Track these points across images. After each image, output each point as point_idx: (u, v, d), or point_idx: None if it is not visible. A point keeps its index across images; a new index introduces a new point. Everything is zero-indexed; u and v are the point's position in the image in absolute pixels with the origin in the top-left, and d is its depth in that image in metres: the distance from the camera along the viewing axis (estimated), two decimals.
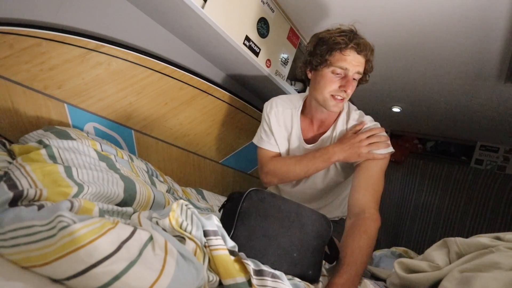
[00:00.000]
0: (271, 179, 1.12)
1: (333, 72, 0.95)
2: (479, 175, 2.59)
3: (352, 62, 0.93)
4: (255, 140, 1.20)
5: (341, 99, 0.97)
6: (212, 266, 0.54)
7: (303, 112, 1.13)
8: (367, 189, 0.92)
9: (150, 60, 1.21)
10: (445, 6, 1.13)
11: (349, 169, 1.09)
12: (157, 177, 1.09)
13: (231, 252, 0.56)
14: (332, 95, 0.97)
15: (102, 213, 0.54)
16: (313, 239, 0.72)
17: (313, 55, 0.99)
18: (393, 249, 1.19)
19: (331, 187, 1.14)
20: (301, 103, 1.13)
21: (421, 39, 1.38)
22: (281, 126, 1.13)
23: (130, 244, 0.42)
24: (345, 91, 0.95)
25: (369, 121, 1.05)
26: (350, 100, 1.13)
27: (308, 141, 1.11)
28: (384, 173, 0.97)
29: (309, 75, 1.05)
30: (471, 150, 2.72)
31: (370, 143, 0.97)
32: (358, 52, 0.93)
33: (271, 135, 1.14)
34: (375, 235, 0.83)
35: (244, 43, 1.27)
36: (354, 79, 0.97)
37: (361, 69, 0.96)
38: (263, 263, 0.60)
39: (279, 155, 1.16)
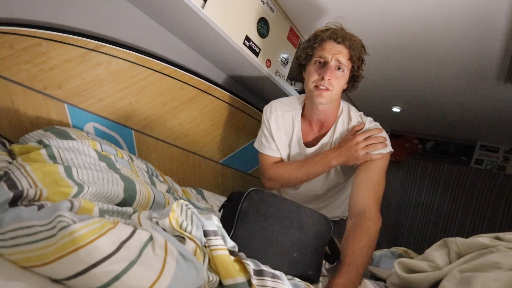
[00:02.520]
0: (273, 184, 1.14)
1: (314, 64, 0.99)
2: (479, 175, 2.59)
3: (330, 50, 0.96)
4: (256, 145, 1.20)
5: (325, 89, 0.97)
6: (212, 266, 0.54)
7: (303, 114, 1.12)
8: (368, 190, 0.92)
9: (150, 60, 1.21)
10: (445, 6, 1.13)
11: (349, 170, 1.08)
12: (157, 177, 1.09)
13: (231, 252, 0.56)
14: (316, 86, 0.98)
15: (102, 213, 0.54)
16: (313, 239, 0.72)
17: (301, 58, 1.04)
18: (393, 249, 1.19)
19: (332, 188, 1.14)
20: (301, 105, 1.13)
21: (421, 39, 1.38)
22: (281, 131, 1.12)
23: (130, 244, 0.42)
24: (323, 78, 0.96)
25: (369, 122, 1.04)
26: (350, 101, 1.13)
27: (308, 144, 1.11)
28: (384, 173, 0.97)
29: (304, 76, 1.07)
30: (471, 150, 2.72)
31: (367, 145, 0.97)
32: (337, 42, 0.96)
33: (272, 140, 1.13)
34: (376, 235, 0.83)
35: (244, 43, 1.27)
36: (339, 68, 0.98)
37: (342, 58, 0.96)
38: (263, 263, 0.60)
39: (281, 160, 1.16)
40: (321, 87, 0.97)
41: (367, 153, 0.97)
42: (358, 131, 1.02)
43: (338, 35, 0.95)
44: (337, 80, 0.97)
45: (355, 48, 0.97)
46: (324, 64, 0.97)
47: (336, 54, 0.95)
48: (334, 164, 1.01)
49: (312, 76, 0.99)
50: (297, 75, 1.11)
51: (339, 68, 0.97)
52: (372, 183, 0.93)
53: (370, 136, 0.99)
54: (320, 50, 0.98)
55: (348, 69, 1.00)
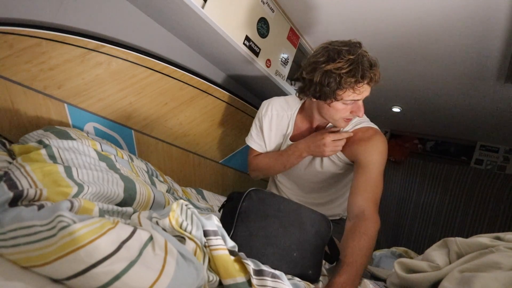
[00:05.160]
0: (257, 174, 1.26)
1: (343, 103, 0.95)
2: (479, 175, 2.59)
3: (364, 93, 0.93)
4: (247, 138, 1.23)
5: (351, 118, 1.00)
6: (212, 266, 0.55)
7: (302, 114, 1.13)
8: (366, 191, 0.92)
9: (150, 60, 1.21)
10: (445, 6, 1.13)
11: (348, 164, 1.09)
12: (157, 177, 1.09)
13: (231, 252, 0.56)
14: (343, 117, 0.99)
15: (102, 213, 0.54)
16: (313, 238, 0.72)
17: (320, 91, 0.93)
18: (393, 249, 1.19)
19: (330, 180, 1.15)
20: (298, 106, 1.13)
21: (421, 40, 1.38)
22: (272, 131, 1.15)
23: (130, 244, 0.42)
24: (352, 112, 0.96)
25: (366, 122, 1.06)
26: None
27: None
28: (382, 175, 0.97)
29: (313, 99, 1.00)
30: (471, 150, 2.72)
31: (335, 146, 1.01)
32: (370, 85, 0.93)
33: (262, 137, 1.18)
34: (374, 236, 0.83)
35: (244, 43, 1.27)
36: None
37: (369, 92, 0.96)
38: (263, 263, 0.60)
39: None
40: (348, 117, 0.98)
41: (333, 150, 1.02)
42: (331, 132, 1.04)
43: (373, 80, 0.91)
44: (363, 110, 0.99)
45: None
46: (355, 103, 0.96)
47: (367, 92, 0.94)
48: (304, 155, 1.08)
49: (342, 113, 0.96)
50: (305, 97, 1.04)
51: None
52: (370, 185, 0.93)
53: (340, 140, 1.02)
54: (354, 95, 0.91)
55: None
